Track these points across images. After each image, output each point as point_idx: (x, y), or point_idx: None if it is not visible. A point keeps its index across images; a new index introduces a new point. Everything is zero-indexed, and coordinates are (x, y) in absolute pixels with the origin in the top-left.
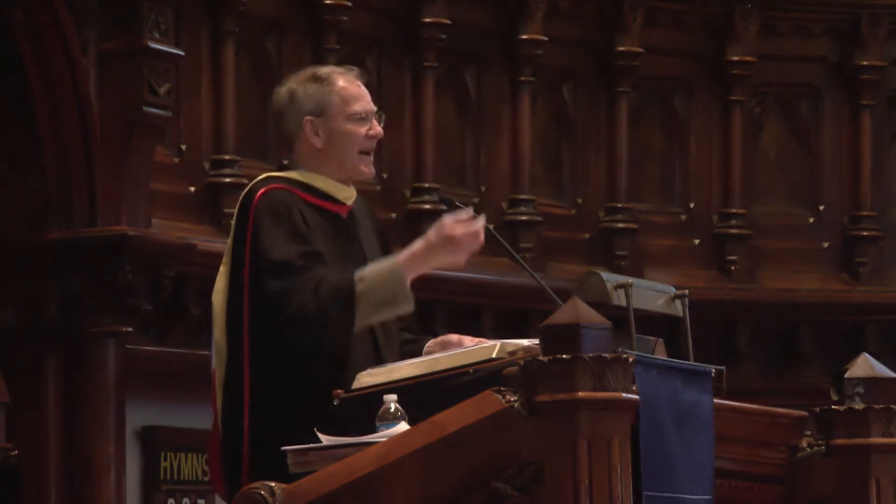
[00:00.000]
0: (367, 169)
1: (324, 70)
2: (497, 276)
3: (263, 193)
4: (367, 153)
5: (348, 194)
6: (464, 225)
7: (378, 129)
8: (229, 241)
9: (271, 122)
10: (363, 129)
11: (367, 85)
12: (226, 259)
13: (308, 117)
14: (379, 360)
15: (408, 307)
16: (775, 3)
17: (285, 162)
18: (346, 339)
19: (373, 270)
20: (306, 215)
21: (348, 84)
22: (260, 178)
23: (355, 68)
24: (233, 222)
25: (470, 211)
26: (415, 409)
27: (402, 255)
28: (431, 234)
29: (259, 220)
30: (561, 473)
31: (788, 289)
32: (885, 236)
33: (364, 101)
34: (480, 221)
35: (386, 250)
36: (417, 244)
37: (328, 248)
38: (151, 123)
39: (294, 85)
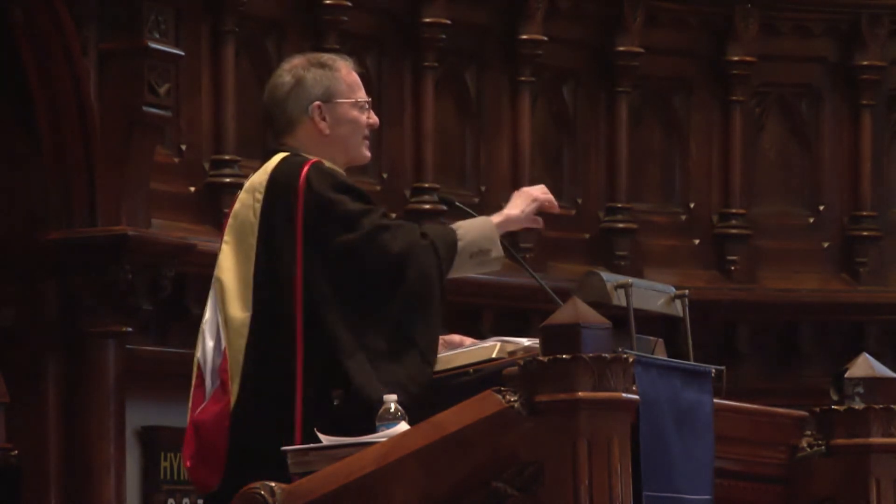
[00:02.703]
0: (369, 154)
1: (325, 56)
2: (497, 276)
3: (311, 165)
4: (366, 139)
5: None
6: (539, 190)
7: (375, 118)
8: (248, 217)
9: (270, 108)
10: (364, 117)
11: (362, 79)
12: (231, 237)
13: (317, 102)
14: None
15: (497, 264)
16: (775, 3)
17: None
18: (444, 279)
19: (465, 222)
20: None
21: (349, 72)
22: (282, 156)
23: (349, 58)
24: (260, 197)
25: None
26: (415, 409)
27: (490, 217)
28: (515, 199)
29: (319, 188)
30: (561, 473)
31: (788, 289)
32: (885, 236)
33: (363, 89)
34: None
35: None
36: (501, 214)
37: None
38: (151, 123)
39: (300, 70)
